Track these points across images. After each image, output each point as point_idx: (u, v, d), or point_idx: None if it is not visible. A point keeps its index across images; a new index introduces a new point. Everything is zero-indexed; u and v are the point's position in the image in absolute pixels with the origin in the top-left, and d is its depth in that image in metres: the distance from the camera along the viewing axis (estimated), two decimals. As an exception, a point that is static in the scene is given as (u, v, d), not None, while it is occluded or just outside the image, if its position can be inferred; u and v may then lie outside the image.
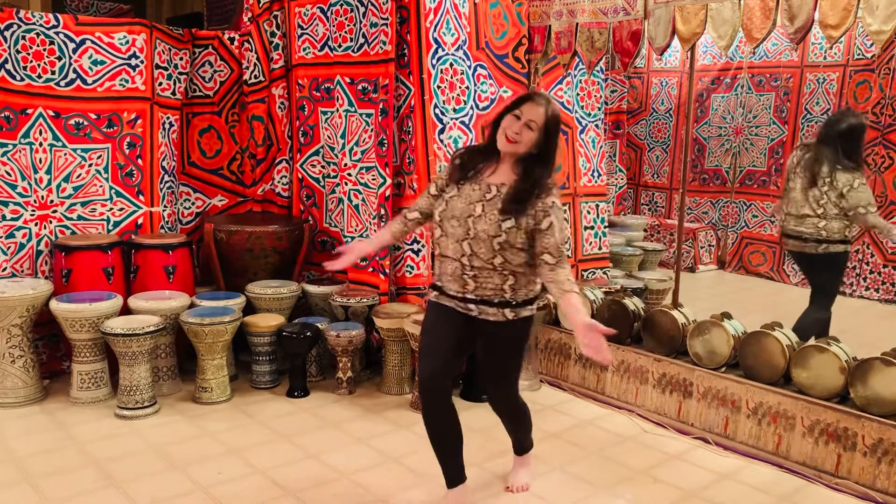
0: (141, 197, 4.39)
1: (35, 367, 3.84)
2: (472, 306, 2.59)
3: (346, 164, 4.29)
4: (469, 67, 4.16)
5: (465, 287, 2.57)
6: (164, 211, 4.50)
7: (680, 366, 3.67)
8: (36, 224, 4.11)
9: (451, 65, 4.06)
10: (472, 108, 4.19)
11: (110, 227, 4.32)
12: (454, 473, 2.74)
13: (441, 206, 2.60)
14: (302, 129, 4.64)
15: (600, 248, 5.08)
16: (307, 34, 4.47)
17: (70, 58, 4.12)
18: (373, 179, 4.15)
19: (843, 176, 3.92)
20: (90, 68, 4.18)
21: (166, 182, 4.51)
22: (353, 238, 4.30)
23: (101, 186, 4.28)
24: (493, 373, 2.79)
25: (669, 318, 3.76)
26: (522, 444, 3.01)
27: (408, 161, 4.09)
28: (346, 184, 4.32)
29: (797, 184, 4.10)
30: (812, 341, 3.30)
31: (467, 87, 4.16)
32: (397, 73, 4.06)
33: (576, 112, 4.89)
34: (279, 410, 3.80)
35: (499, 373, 2.77)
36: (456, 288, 2.60)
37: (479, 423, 3.67)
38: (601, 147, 5.10)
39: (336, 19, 4.28)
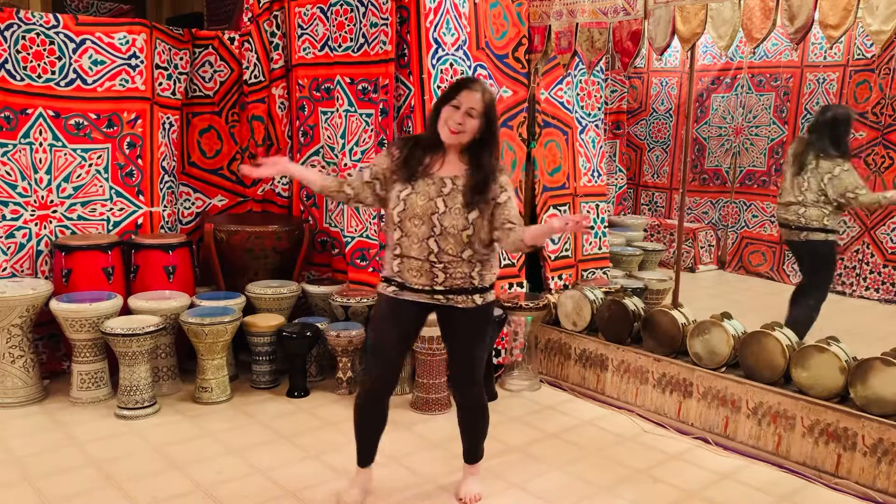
0: (141, 197, 4.39)
1: (35, 367, 3.84)
2: (440, 297, 2.61)
3: (346, 164, 4.29)
4: (469, 67, 4.16)
5: (435, 280, 2.58)
6: (164, 211, 4.50)
7: (680, 366, 3.67)
8: (36, 224, 4.11)
9: (451, 65, 4.06)
10: (472, 108, 4.19)
11: (110, 227, 4.32)
12: (369, 455, 2.83)
13: (399, 206, 2.55)
14: (302, 129, 4.64)
15: (600, 248, 5.08)
16: (307, 34, 4.47)
17: (70, 58, 4.12)
18: (373, 179, 4.14)
19: (826, 163, 4.08)
20: (90, 68, 4.18)
21: (166, 182, 4.51)
22: (353, 238, 4.31)
23: (101, 186, 4.28)
24: (464, 363, 2.75)
25: (669, 318, 3.76)
26: (476, 450, 2.92)
27: (408, 161, 4.08)
28: (346, 184, 4.31)
29: (787, 173, 4.29)
30: (812, 341, 3.30)
31: (467, 87, 4.15)
32: (397, 73, 4.06)
33: (576, 112, 4.89)
34: (279, 410, 3.80)
35: (470, 361, 2.74)
36: (424, 282, 2.59)
37: (479, 423, 3.68)
38: (601, 147, 5.10)
39: (336, 19, 4.28)
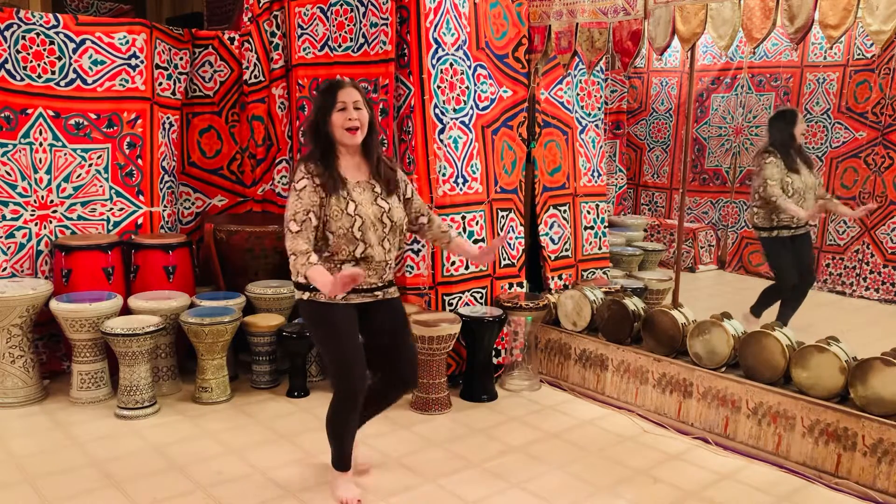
0: (141, 197, 4.39)
1: (35, 367, 3.84)
2: (379, 293, 2.74)
3: (346, 164, 4.29)
4: (469, 67, 4.16)
5: (383, 277, 2.73)
6: (164, 211, 4.50)
7: (680, 366, 3.67)
8: (36, 224, 4.11)
9: (451, 65, 4.06)
10: (472, 108, 4.19)
11: (110, 227, 4.32)
12: (350, 457, 2.85)
13: (356, 221, 2.57)
14: (302, 129, 4.64)
15: (600, 248, 5.08)
16: (307, 34, 4.47)
17: (70, 58, 4.12)
18: (373, 179, 4.14)
19: (758, 160, 4.49)
20: (90, 68, 4.18)
21: (166, 182, 4.51)
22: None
23: (101, 186, 4.28)
24: (404, 349, 2.81)
25: (669, 318, 3.76)
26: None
27: (408, 161, 4.08)
28: (346, 184, 4.31)
29: None
30: (812, 341, 3.30)
31: (467, 87, 4.16)
32: (397, 73, 4.06)
33: (576, 112, 4.89)
34: (279, 410, 3.80)
35: (408, 347, 2.84)
36: (375, 280, 2.71)
37: (479, 422, 3.68)
38: (601, 147, 5.10)
39: (336, 19, 4.28)
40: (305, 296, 2.66)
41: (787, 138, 4.42)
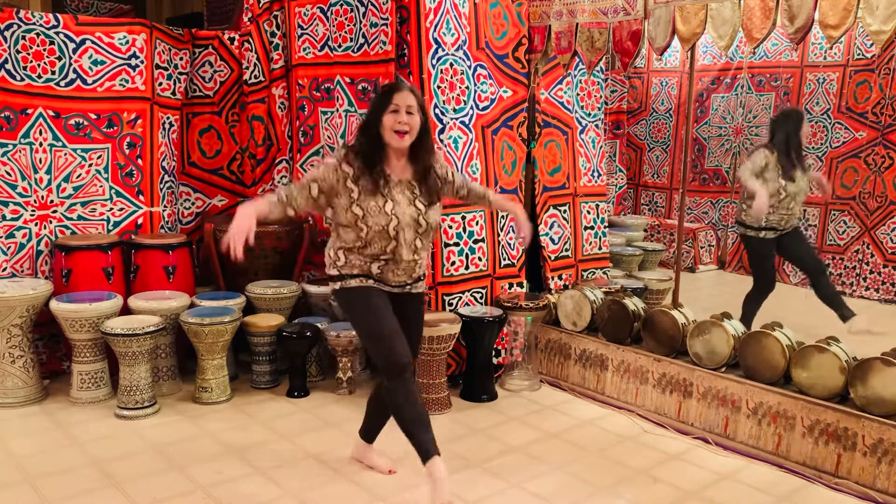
0: (141, 197, 4.39)
1: (35, 367, 3.84)
2: (409, 287, 2.81)
3: (346, 164, 4.29)
4: (469, 67, 4.16)
5: (412, 275, 2.79)
6: (164, 211, 4.50)
7: (680, 366, 3.67)
8: (36, 224, 4.11)
9: (451, 65, 4.06)
10: (472, 108, 4.19)
11: (110, 227, 4.32)
12: (433, 442, 2.71)
13: (392, 220, 2.63)
14: (302, 129, 4.64)
15: (600, 248, 5.08)
16: (307, 34, 4.47)
17: (70, 58, 4.12)
18: (373, 179, 4.14)
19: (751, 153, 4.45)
20: (90, 68, 4.18)
21: (166, 182, 4.51)
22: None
23: (101, 186, 4.28)
24: (414, 343, 2.88)
25: (669, 318, 3.76)
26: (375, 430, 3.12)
27: (408, 161, 4.08)
28: (346, 184, 4.31)
29: None
30: (812, 341, 3.30)
31: (467, 87, 4.16)
32: (397, 73, 4.06)
33: (576, 112, 4.89)
34: (279, 410, 3.80)
35: (417, 338, 2.95)
36: (404, 279, 2.77)
37: (479, 423, 3.68)
38: (601, 147, 5.10)
39: (336, 19, 4.28)
40: (338, 285, 2.77)
41: (790, 140, 4.33)
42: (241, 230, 2.54)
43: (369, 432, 3.13)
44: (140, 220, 4.39)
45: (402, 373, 2.67)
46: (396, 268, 2.72)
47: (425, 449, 2.69)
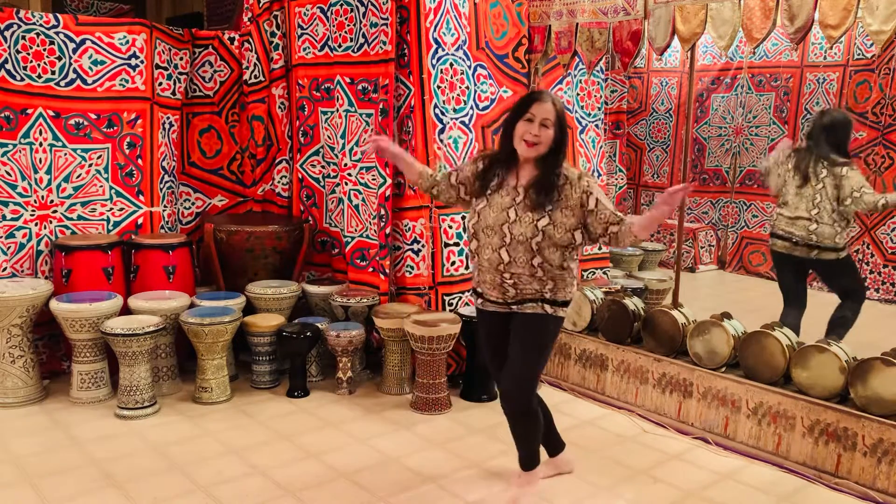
0: (141, 197, 4.39)
1: (35, 367, 3.84)
2: (514, 306, 2.69)
3: (346, 164, 4.29)
4: (469, 67, 4.16)
5: (506, 295, 2.66)
6: (164, 211, 4.50)
7: (680, 366, 3.67)
8: (36, 224, 4.11)
9: (451, 65, 4.06)
10: (472, 108, 4.19)
11: (110, 227, 4.32)
12: (532, 456, 2.89)
13: (473, 218, 2.66)
14: (302, 129, 4.64)
15: (600, 248, 5.08)
16: (307, 34, 4.47)
17: (70, 58, 4.12)
18: (373, 179, 4.15)
19: (834, 170, 3.89)
20: (90, 68, 4.18)
21: (166, 182, 4.51)
22: (353, 238, 4.31)
23: (101, 186, 4.28)
24: (514, 361, 2.68)
25: (669, 318, 3.76)
26: (521, 453, 2.89)
27: (408, 161, 4.08)
28: (346, 184, 4.32)
29: (790, 185, 4.06)
30: (812, 341, 3.30)
31: (467, 87, 4.16)
32: (397, 73, 4.06)
33: (576, 112, 4.89)
34: (279, 410, 3.80)
35: (518, 363, 2.67)
36: (496, 295, 2.68)
37: (479, 422, 3.68)
38: (601, 147, 5.10)
39: (336, 19, 4.27)
40: (477, 302, 2.85)
41: (848, 146, 4.02)
42: (382, 145, 2.82)
43: (549, 445, 3.06)
44: (140, 220, 4.39)
45: (501, 397, 2.79)
46: (484, 279, 2.67)
47: (526, 461, 2.89)
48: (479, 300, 2.78)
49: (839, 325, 4.01)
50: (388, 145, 2.85)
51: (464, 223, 2.76)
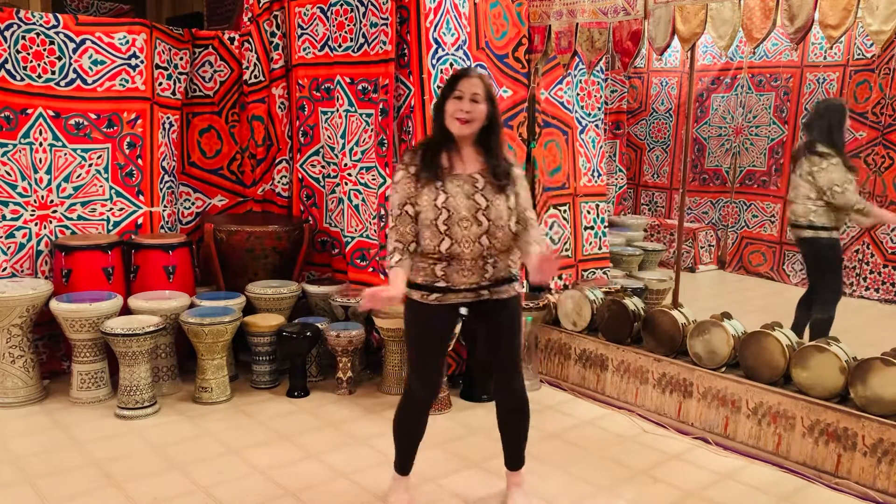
0: (141, 197, 4.39)
1: (35, 367, 3.84)
2: (484, 292, 2.59)
3: (346, 164, 4.29)
4: (469, 67, 4.16)
5: (485, 276, 2.56)
6: (164, 211, 4.50)
7: (680, 366, 3.67)
8: (36, 224, 4.11)
9: (451, 65, 4.06)
10: (472, 108, 4.19)
11: (110, 227, 4.32)
12: (411, 463, 2.83)
13: (441, 214, 2.47)
14: (302, 129, 4.64)
15: (600, 248, 5.08)
16: (307, 34, 4.47)
17: (70, 58, 4.12)
18: (373, 179, 4.15)
19: (815, 158, 4.04)
20: (90, 68, 4.18)
21: (166, 182, 4.51)
22: (353, 238, 4.31)
23: (101, 186, 4.28)
24: (510, 358, 2.68)
25: (669, 318, 3.76)
26: (522, 454, 2.84)
27: (408, 161, 4.08)
28: (346, 184, 4.32)
29: (792, 173, 4.30)
30: (812, 341, 3.30)
31: (467, 87, 4.15)
32: (397, 73, 4.06)
33: (576, 112, 4.89)
34: (279, 410, 3.80)
35: (516, 355, 2.69)
36: (474, 280, 2.55)
37: (479, 422, 3.68)
38: (601, 147, 5.10)
39: (336, 19, 4.27)
40: (430, 298, 2.62)
41: (840, 136, 4.07)
42: (385, 297, 2.42)
43: (511, 456, 2.89)
44: (140, 220, 4.39)
45: (417, 403, 2.71)
46: (461, 267, 2.52)
47: (402, 465, 2.81)
48: (434, 296, 2.56)
49: (819, 332, 3.98)
50: (378, 291, 2.43)
51: (487, 224, 2.52)
